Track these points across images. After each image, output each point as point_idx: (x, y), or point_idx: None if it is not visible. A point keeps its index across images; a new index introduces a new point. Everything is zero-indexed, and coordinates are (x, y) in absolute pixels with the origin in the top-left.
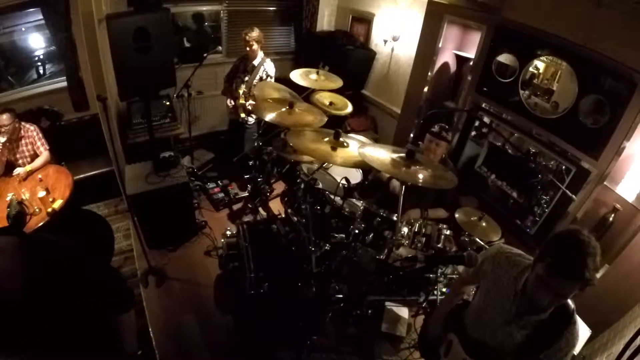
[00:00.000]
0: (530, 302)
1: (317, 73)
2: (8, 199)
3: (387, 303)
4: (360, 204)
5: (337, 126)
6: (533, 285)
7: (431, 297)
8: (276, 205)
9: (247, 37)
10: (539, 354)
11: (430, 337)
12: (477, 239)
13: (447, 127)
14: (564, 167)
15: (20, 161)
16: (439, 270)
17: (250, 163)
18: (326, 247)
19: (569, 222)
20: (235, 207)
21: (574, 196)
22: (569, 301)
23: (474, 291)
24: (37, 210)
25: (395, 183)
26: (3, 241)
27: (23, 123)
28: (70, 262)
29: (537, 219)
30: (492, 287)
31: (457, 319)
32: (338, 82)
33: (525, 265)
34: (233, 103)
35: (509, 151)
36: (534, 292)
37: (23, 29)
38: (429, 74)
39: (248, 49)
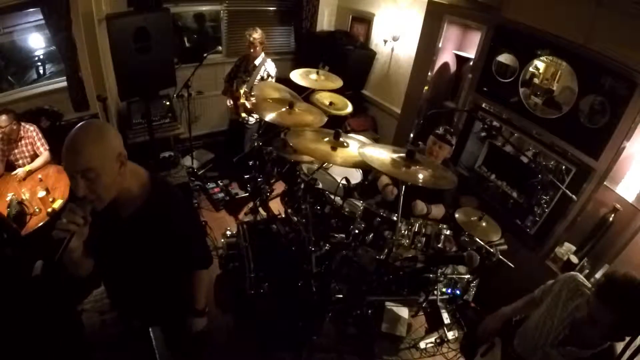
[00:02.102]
0: (580, 338)
1: (317, 73)
2: (8, 199)
3: (387, 303)
4: (360, 204)
5: (337, 126)
6: (586, 320)
7: (431, 297)
8: (276, 205)
9: (252, 39)
10: None
11: (481, 333)
12: (477, 239)
13: (452, 130)
14: (564, 167)
15: (20, 161)
16: (439, 270)
17: (250, 163)
18: (326, 247)
19: (569, 222)
20: (235, 207)
21: (574, 196)
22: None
23: None
24: (37, 210)
25: (384, 180)
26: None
27: (23, 123)
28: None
29: (537, 219)
30: (552, 306)
31: (509, 329)
32: (338, 82)
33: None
34: (232, 103)
35: (509, 151)
36: (587, 330)
37: (23, 29)
38: (429, 74)
39: (252, 50)
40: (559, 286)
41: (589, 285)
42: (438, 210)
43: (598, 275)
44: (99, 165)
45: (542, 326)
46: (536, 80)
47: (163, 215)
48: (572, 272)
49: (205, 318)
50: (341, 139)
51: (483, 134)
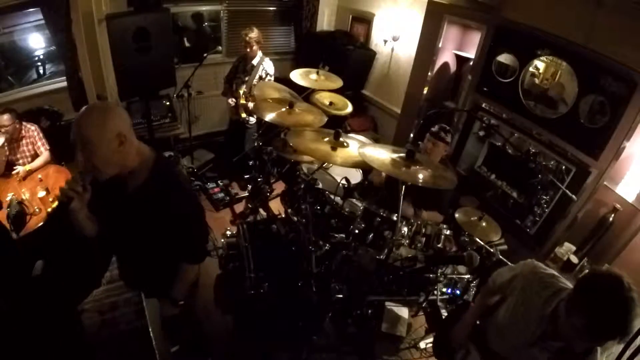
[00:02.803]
0: (557, 331)
1: (317, 73)
2: (8, 199)
3: (387, 303)
4: (360, 204)
5: (337, 126)
6: (569, 333)
7: (431, 297)
8: (276, 205)
9: (248, 38)
10: None
11: (453, 343)
12: (477, 239)
13: (447, 128)
14: (564, 167)
15: (20, 161)
16: (439, 270)
17: (250, 163)
18: (326, 247)
19: (569, 222)
20: (236, 207)
21: (574, 196)
22: None
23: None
24: (37, 210)
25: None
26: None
27: (24, 123)
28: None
29: (537, 219)
30: (519, 306)
31: (477, 329)
32: (338, 82)
33: (558, 289)
34: (234, 102)
35: (509, 151)
36: (568, 337)
37: (23, 29)
38: (429, 74)
39: (248, 49)
40: (521, 283)
41: (550, 272)
42: (431, 216)
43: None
44: (96, 141)
45: (516, 327)
46: (536, 80)
47: (162, 194)
48: (529, 263)
49: (178, 309)
50: (341, 139)
51: (481, 133)
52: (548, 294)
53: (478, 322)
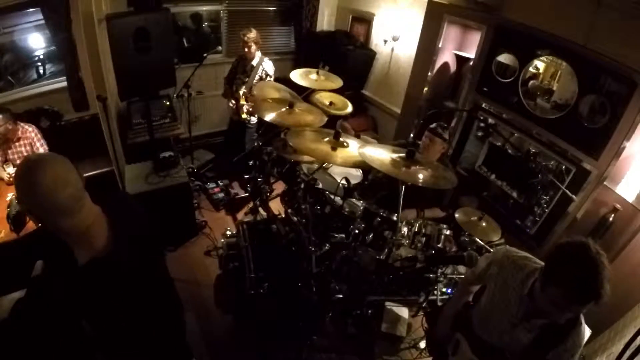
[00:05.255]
0: (538, 308)
1: (317, 73)
2: (8, 199)
3: (387, 303)
4: (360, 204)
5: (335, 127)
6: (547, 307)
7: (431, 297)
8: (276, 205)
9: (246, 38)
10: (546, 354)
11: (438, 337)
12: (477, 239)
13: (445, 125)
14: (564, 167)
15: (18, 162)
16: (439, 270)
17: (250, 163)
18: (326, 247)
19: (569, 222)
20: (235, 207)
21: (574, 196)
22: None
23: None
24: None
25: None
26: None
27: (21, 124)
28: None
29: (537, 219)
30: (498, 290)
31: (464, 319)
32: (338, 82)
33: (532, 269)
34: (235, 103)
35: (509, 151)
36: (548, 312)
37: (23, 29)
38: (429, 74)
39: (246, 50)
40: (497, 268)
41: (523, 254)
42: (433, 213)
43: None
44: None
45: (499, 311)
46: (536, 81)
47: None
48: (501, 249)
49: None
50: (341, 139)
51: (480, 133)
52: (523, 275)
53: (465, 313)
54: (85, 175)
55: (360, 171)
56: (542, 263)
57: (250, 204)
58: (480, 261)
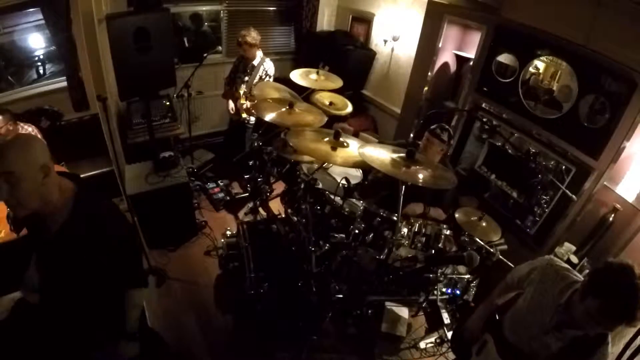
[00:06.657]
0: (572, 319)
1: (317, 73)
2: None
3: (387, 303)
4: (360, 204)
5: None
6: (582, 317)
7: (431, 297)
8: (276, 205)
9: (245, 39)
10: None
11: (468, 337)
12: (477, 239)
13: (446, 126)
14: (564, 167)
15: None
16: (439, 270)
17: (250, 163)
18: (326, 247)
19: (569, 222)
20: (235, 207)
21: (574, 196)
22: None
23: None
24: None
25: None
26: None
27: (21, 124)
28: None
29: (537, 219)
30: (537, 296)
31: (495, 321)
32: (338, 82)
33: (572, 281)
34: (234, 106)
35: (509, 151)
36: (582, 324)
37: (23, 29)
38: (429, 74)
39: (246, 50)
40: (539, 275)
41: (565, 266)
42: (436, 213)
43: None
44: (20, 171)
45: (533, 316)
46: (536, 81)
47: (81, 237)
48: (546, 257)
49: (137, 343)
50: (341, 139)
51: (484, 135)
52: (563, 285)
53: (498, 314)
54: (85, 175)
55: (360, 171)
56: (582, 277)
57: (250, 204)
58: (522, 267)
